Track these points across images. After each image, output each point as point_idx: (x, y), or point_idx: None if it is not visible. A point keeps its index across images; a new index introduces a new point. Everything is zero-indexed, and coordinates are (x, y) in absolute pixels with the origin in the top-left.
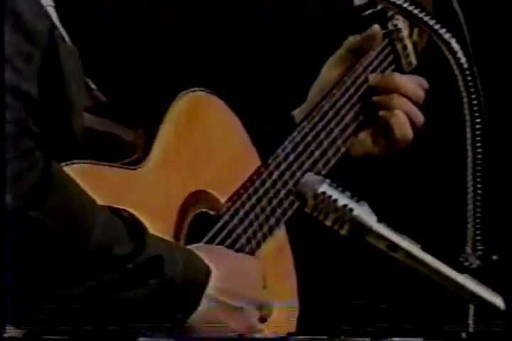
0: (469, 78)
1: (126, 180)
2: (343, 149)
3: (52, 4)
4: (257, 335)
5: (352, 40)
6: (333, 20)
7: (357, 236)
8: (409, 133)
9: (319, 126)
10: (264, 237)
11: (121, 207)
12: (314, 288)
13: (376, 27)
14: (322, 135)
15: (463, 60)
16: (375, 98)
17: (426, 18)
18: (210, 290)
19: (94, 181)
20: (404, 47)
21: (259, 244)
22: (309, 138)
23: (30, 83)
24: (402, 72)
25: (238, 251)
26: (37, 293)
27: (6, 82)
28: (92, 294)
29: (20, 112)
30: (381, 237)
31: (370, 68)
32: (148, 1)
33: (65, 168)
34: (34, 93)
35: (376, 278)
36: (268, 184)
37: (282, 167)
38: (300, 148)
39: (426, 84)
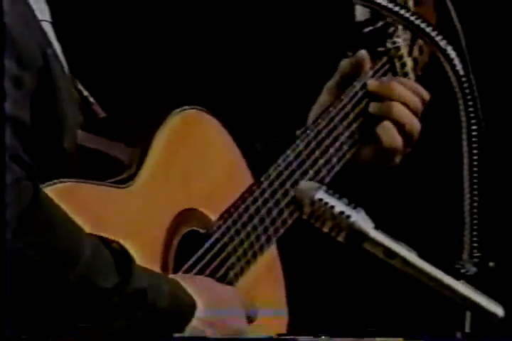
0: (465, 85)
1: (113, 198)
2: (337, 168)
3: (50, 20)
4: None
5: (343, 65)
6: (333, 38)
7: (354, 242)
8: (397, 142)
9: (313, 145)
10: (255, 256)
11: (107, 226)
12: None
13: (363, 51)
14: (317, 153)
15: (459, 66)
16: (374, 109)
17: (422, 25)
18: (194, 321)
19: (77, 200)
20: (403, 65)
21: (249, 263)
22: (303, 156)
23: (21, 108)
24: None
25: (228, 269)
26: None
27: None
28: (74, 323)
29: (10, 139)
30: (378, 244)
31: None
32: (146, 15)
33: (49, 188)
34: (25, 118)
35: (375, 281)
36: (260, 202)
37: (275, 185)
38: (294, 166)
39: (427, 96)
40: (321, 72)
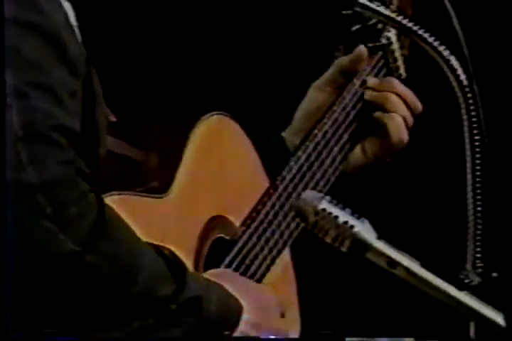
0: (469, 95)
1: (155, 209)
2: (341, 167)
3: (76, 24)
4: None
5: (341, 61)
6: (323, 36)
7: (357, 252)
8: (405, 136)
9: (321, 145)
10: (273, 260)
11: (150, 236)
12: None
13: (362, 47)
14: (324, 154)
15: (462, 76)
16: (371, 96)
17: (425, 35)
18: (242, 324)
19: (130, 212)
20: (395, 60)
21: (268, 268)
22: (313, 157)
23: (74, 119)
24: None
25: (252, 275)
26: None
27: (52, 117)
28: (135, 334)
29: (71, 152)
30: (381, 254)
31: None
32: (152, 18)
33: (106, 199)
34: (78, 129)
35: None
36: (277, 207)
37: (289, 189)
38: (305, 168)
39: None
40: (310, 69)
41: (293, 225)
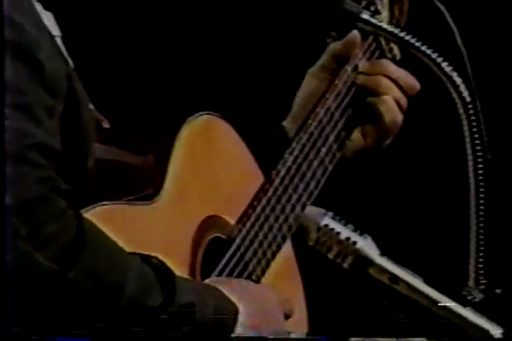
0: (471, 112)
1: (144, 216)
2: (338, 155)
3: (59, 34)
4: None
5: (334, 46)
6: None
7: (359, 268)
8: (399, 117)
9: (315, 134)
10: (273, 255)
11: (140, 243)
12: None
13: (355, 32)
14: (319, 143)
15: (465, 93)
16: (363, 80)
17: (428, 51)
18: (239, 327)
19: (112, 221)
20: (388, 42)
21: (268, 264)
22: (307, 147)
23: (53, 136)
24: None
25: (250, 273)
26: None
27: (29, 136)
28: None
29: (48, 170)
30: (383, 270)
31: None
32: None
33: (89, 213)
34: (57, 146)
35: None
36: (274, 201)
37: (286, 181)
38: (300, 160)
39: (417, 85)
40: (304, 56)
41: (291, 218)
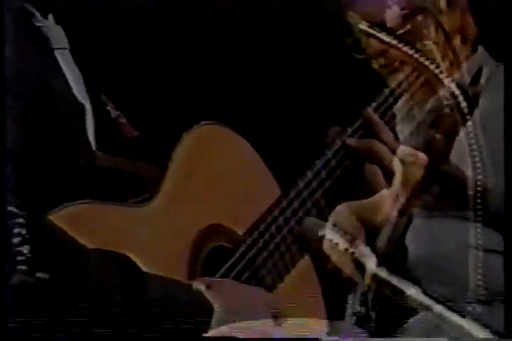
0: (469, 123)
1: (133, 215)
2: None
3: (68, 47)
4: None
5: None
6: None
7: (358, 278)
8: (382, 185)
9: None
10: (287, 268)
11: (128, 242)
12: None
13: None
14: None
15: (463, 104)
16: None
17: (426, 63)
18: (214, 324)
19: (98, 219)
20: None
21: (280, 275)
22: (333, 163)
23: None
24: None
25: (258, 282)
26: None
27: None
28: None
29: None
30: (382, 281)
31: None
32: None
33: (70, 209)
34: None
35: None
36: (289, 212)
37: (304, 195)
38: (323, 175)
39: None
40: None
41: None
